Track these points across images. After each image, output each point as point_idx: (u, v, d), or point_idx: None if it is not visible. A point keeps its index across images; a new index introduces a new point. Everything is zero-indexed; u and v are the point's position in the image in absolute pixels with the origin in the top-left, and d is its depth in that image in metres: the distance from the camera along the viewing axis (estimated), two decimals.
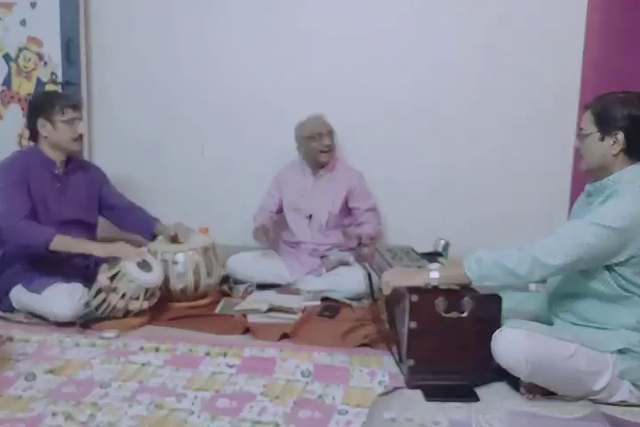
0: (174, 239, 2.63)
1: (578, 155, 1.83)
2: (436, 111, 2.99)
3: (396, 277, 1.85)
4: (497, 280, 1.71)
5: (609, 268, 1.69)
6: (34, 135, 2.47)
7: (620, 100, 1.72)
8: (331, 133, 2.87)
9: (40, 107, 2.42)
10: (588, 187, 1.83)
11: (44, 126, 2.41)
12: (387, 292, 1.85)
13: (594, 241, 1.62)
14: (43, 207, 2.41)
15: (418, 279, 1.80)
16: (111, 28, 3.26)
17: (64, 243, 2.30)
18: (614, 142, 1.72)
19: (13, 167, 2.39)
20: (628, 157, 1.73)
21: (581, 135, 1.79)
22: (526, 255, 1.67)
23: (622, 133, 1.70)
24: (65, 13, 3.13)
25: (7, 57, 3.31)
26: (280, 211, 3.01)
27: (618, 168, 1.74)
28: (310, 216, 2.91)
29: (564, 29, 2.81)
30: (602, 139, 1.73)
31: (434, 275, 1.77)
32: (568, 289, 1.82)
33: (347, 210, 2.95)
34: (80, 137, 2.47)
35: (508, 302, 1.84)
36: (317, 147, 2.83)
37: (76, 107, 2.45)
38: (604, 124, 1.72)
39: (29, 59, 3.27)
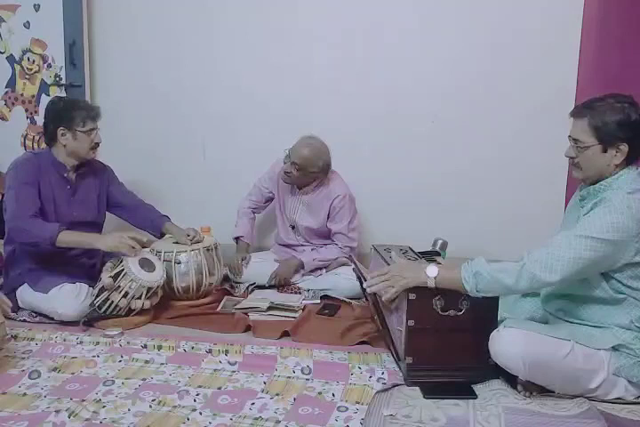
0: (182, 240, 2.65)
1: (572, 163, 1.79)
2: (436, 112, 3.01)
3: (394, 277, 1.82)
4: (493, 293, 1.73)
5: (605, 275, 1.70)
6: (50, 140, 2.46)
7: (616, 110, 1.66)
8: (296, 166, 2.72)
9: (62, 116, 2.41)
10: (581, 190, 1.82)
11: (63, 135, 2.42)
12: (387, 297, 1.82)
13: (589, 255, 1.61)
14: (52, 209, 2.44)
15: (416, 277, 1.78)
16: (113, 30, 3.28)
17: (69, 237, 2.32)
18: (617, 152, 1.69)
19: (25, 168, 2.40)
20: (625, 163, 1.71)
21: (579, 147, 1.72)
22: (524, 272, 1.64)
23: (626, 144, 1.66)
24: (68, 16, 3.15)
25: (11, 59, 3.34)
26: (268, 200, 3.01)
27: (614, 173, 1.72)
28: (293, 227, 2.93)
29: (563, 30, 2.81)
30: (604, 150, 1.69)
31: (432, 270, 1.76)
32: (563, 291, 1.83)
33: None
34: (97, 145, 2.48)
35: (504, 300, 1.86)
36: (284, 167, 2.78)
37: (96, 118, 2.46)
38: (606, 137, 1.67)
39: (33, 61, 3.29)
